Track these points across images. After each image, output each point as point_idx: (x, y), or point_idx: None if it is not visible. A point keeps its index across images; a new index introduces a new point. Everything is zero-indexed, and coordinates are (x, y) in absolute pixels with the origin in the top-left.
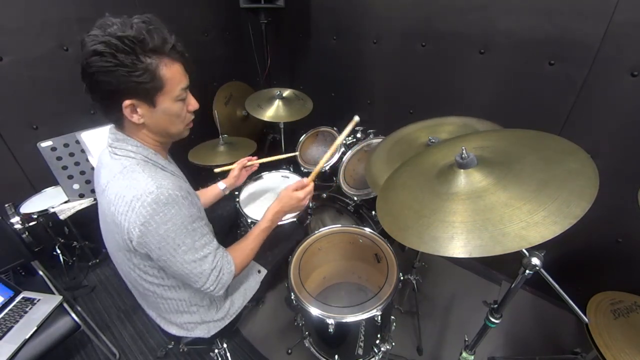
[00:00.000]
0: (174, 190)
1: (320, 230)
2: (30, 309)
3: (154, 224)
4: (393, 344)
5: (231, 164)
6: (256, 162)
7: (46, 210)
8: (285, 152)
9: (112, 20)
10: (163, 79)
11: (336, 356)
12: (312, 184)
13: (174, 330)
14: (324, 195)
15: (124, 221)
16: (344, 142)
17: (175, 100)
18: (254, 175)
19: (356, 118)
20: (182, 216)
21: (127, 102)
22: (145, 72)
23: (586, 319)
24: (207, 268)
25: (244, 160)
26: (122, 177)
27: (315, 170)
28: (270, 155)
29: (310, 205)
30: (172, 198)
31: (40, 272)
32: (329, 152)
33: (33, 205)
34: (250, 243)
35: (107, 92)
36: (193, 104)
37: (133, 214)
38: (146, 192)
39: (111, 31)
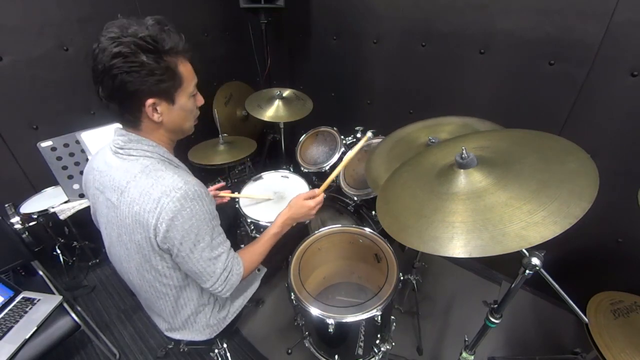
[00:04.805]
0: (199, 187)
1: (320, 230)
2: (30, 309)
3: (180, 219)
4: (393, 344)
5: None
6: (228, 195)
7: (46, 210)
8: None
9: (127, 22)
10: (181, 76)
11: (336, 356)
12: (322, 195)
13: (178, 336)
14: (324, 195)
15: (151, 218)
16: (344, 142)
17: (189, 96)
18: (254, 176)
19: (369, 134)
20: (204, 212)
21: (149, 101)
22: (167, 71)
23: (586, 319)
24: (220, 267)
25: (216, 191)
26: (145, 176)
27: (327, 182)
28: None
29: None
30: (198, 194)
31: (40, 272)
32: (340, 166)
33: (33, 205)
34: (259, 247)
35: (130, 92)
36: (200, 99)
37: (162, 210)
38: (175, 188)
39: (131, 32)
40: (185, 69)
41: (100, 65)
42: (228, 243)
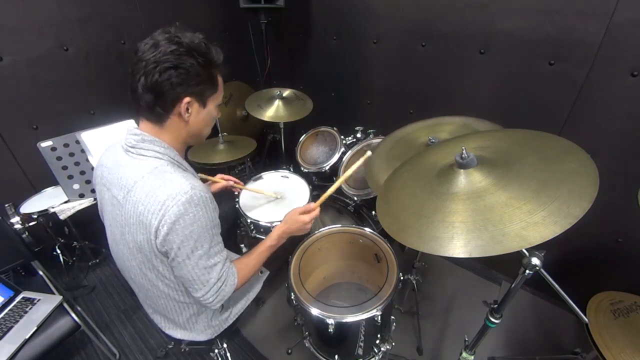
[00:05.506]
0: (205, 193)
1: (320, 230)
2: (30, 309)
3: (182, 223)
4: (393, 344)
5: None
6: (240, 187)
7: (46, 210)
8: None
9: (182, 29)
10: (218, 85)
11: (336, 356)
12: (318, 209)
13: (179, 335)
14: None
15: (154, 220)
16: (344, 142)
17: (216, 106)
18: (254, 176)
19: (368, 153)
20: (207, 219)
21: (187, 99)
22: (210, 77)
23: (586, 319)
24: (214, 277)
25: (230, 181)
26: (153, 177)
27: (323, 197)
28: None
29: None
30: (203, 200)
31: (40, 272)
32: (338, 181)
33: (33, 205)
34: (254, 258)
35: (173, 86)
36: (218, 113)
37: (166, 212)
38: (181, 192)
39: (189, 36)
40: (220, 81)
41: (152, 57)
42: (225, 253)
